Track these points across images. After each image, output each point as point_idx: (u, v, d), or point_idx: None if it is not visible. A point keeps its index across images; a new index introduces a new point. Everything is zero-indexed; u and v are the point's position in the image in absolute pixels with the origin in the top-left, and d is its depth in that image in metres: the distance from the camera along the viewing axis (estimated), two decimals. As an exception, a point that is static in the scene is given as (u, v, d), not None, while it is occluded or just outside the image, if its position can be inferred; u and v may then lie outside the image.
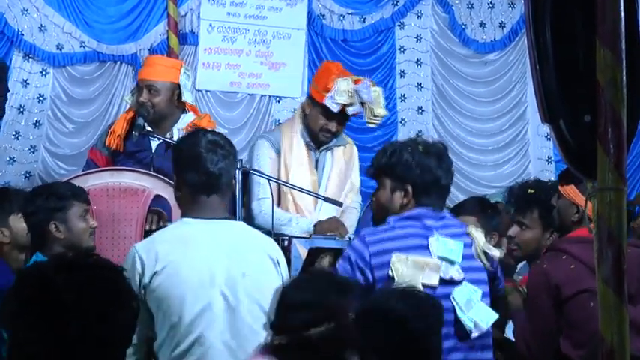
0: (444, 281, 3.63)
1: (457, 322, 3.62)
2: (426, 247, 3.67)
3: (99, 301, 2.09)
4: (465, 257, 3.71)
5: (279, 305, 3.11)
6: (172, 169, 3.73)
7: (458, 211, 4.80)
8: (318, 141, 5.31)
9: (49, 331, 2.05)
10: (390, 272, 3.60)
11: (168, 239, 3.57)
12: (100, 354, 2.09)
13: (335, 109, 5.15)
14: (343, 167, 5.38)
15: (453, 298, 3.62)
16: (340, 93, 5.14)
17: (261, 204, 5.10)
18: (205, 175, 3.56)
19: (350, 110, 5.19)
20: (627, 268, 2.44)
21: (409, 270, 3.60)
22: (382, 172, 3.90)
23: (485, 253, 3.80)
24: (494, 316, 3.68)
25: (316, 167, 5.34)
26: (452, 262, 3.67)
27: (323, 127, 5.24)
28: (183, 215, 3.66)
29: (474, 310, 3.63)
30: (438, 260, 3.65)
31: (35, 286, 2.10)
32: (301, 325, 3.02)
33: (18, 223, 4.47)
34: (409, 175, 3.80)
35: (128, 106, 5.42)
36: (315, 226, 5.04)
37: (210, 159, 3.56)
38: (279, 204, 5.18)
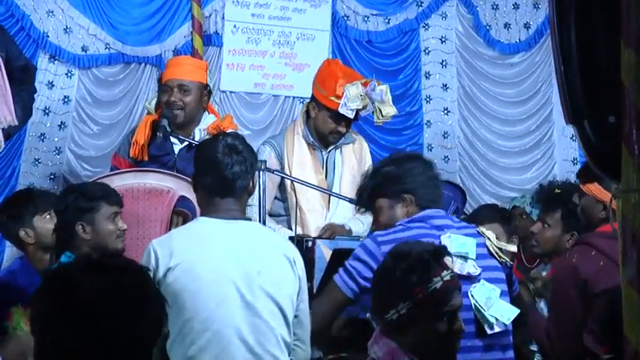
0: (461, 277, 3.62)
1: (476, 320, 3.62)
2: None
3: (126, 301, 2.10)
4: (480, 256, 3.72)
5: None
6: (194, 169, 3.78)
7: (477, 220, 4.80)
8: (325, 142, 5.33)
9: (77, 333, 2.05)
10: None
11: (185, 236, 3.63)
12: (131, 354, 2.09)
13: (351, 115, 5.19)
14: (355, 165, 5.39)
15: (472, 296, 3.62)
16: (352, 99, 5.16)
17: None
18: (219, 179, 3.61)
19: (363, 113, 5.22)
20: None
21: None
22: (375, 196, 3.92)
23: (501, 249, 3.79)
24: (515, 311, 3.67)
25: (326, 167, 5.35)
26: (466, 259, 3.67)
27: (333, 129, 5.27)
28: (201, 215, 3.70)
29: (495, 308, 3.63)
30: (450, 257, 3.65)
31: (62, 289, 2.10)
32: (381, 310, 3.11)
33: (42, 224, 4.50)
34: (402, 185, 3.83)
35: (146, 111, 5.43)
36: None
37: (226, 163, 3.61)
38: (285, 207, 5.20)
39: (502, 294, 3.68)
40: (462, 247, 3.68)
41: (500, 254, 3.78)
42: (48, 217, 4.48)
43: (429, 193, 3.85)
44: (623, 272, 2.37)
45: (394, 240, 3.67)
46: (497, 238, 3.87)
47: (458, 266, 3.62)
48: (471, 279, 3.66)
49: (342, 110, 5.18)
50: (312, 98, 5.38)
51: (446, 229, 3.73)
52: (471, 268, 3.67)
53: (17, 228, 4.58)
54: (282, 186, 5.26)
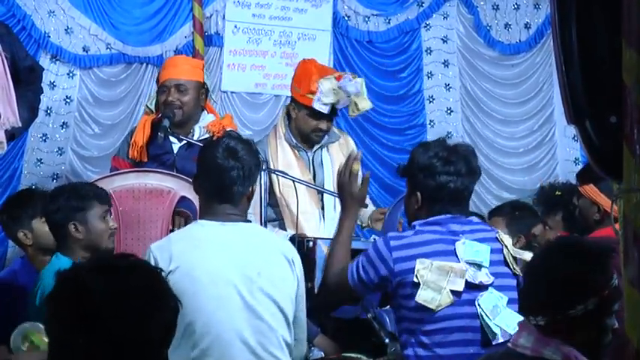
0: (472, 286, 3.59)
1: (482, 328, 3.59)
2: (452, 253, 3.62)
3: (135, 302, 2.10)
4: (493, 263, 3.65)
5: (534, 284, 3.06)
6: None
7: (492, 212, 4.83)
8: (309, 142, 5.32)
9: (86, 334, 2.05)
10: (415, 279, 3.57)
11: (183, 240, 3.61)
12: (141, 355, 2.09)
13: (325, 110, 5.18)
14: (343, 162, 5.38)
15: (479, 305, 3.57)
16: (326, 94, 5.15)
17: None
18: (216, 184, 3.60)
19: (339, 106, 5.21)
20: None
21: (433, 275, 3.57)
22: (403, 174, 3.88)
23: (516, 259, 3.74)
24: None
25: (313, 167, 5.34)
26: (480, 267, 3.63)
27: (314, 128, 5.26)
28: (200, 217, 3.70)
29: (500, 317, 3.58)
30: (464, 265, 3.60)
31: (71, 290, 2.11)
32: (566, 303, 2.97)
33: (41, 226, 4.50)
34: (416, 179, 3.76)
35: (144, 111, 5.43)
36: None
37: (223, 168, 3.58)
38: (275, 211, 5.19)
39: (510, 302, 3.63)
40: (476, 254, 3.62)
41: (515, 266, 3.72)
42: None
43: (441, 198, 3.69)
44: (625, 272, 2.36)
45: (406, 245, 3.64)
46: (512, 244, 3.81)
47: (471, 274, 3.59)
48: (481, 288, 3.61)
49: (315, 105, 5.17)
50: (292, 99, 5.39)
51: (461, 235, 3.67)
52: (483, 276, 3.61)
53: (16, 229, 4.58)
54: (271, 191, 5.25)
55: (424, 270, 3.56)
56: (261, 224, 4.58)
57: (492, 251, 3.67)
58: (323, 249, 4.51)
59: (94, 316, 2.06)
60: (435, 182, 3.69)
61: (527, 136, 7.87)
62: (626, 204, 2.37)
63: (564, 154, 7.92)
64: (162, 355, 2.17)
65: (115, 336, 2.06)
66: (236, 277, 3.53)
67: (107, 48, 6.78)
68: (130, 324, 2.07)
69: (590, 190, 4.09)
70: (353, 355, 4.13)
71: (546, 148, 7.91)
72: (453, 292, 3.56)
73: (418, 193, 3.74)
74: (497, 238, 3.75)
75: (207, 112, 5.34)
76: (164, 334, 2.16)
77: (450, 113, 7.69)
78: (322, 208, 5.31)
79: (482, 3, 7.74)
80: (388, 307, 4.48)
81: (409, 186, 3.81)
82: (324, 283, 3.82)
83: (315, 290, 4.35)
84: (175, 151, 5.16)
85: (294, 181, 4.94)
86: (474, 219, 3.83)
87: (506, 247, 3.73)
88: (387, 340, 4.14)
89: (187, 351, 3.47)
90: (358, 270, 3.69)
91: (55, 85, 6.69)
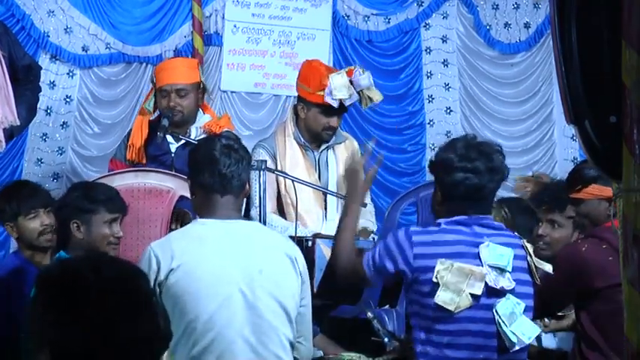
0: (492, 291, 3.54)
1: (498, 335, 3.55)
2: (476, 255, 3.56)
3: (122, 301, 2.09)
4: (516, 269, 3.59)
5: None
6: (188, 173, 3.76)
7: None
8: (319, 140, 5.31)
9: (77, 330, 2.05)
10: (435, 279, 3.53)
11: (184, 238, 3.62)
12: (129, 356, 2.09)
13: (336, 104, 5.15)
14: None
15: (496, 311, 3.52)
16: (338, 88, 5.14)
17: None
18: (218, 177, 3.62)
19: (348, 102, 5.19)
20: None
21: (453, 277, 3.51)
22: (429, 170, 3.88)
23: (537, 268, 3.71)
24: (536, 330, 3.60)
25: (319, 167, 5.33)
26: (503, 271, 3.56)
27: (325, 125, 5.25)
28: (200, 216, 3.70)
29: (517, 324, 3.54)
30: (485, 269, 3.53)
31: (60, 289, 2.10)
32: None
33: (26, 223, 4.50)
34: (437, 175, 3.75)
35: (139, 112, 5.43)
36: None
37: (223, 162, 3.62)
38: (279, 208, 5.19)
39: (526, 309, 3.59)
40: (499, 258, 3.56)
41: (537, 275, 3.69)
42: (33, 216, 4.47)
43: (458, 195, 3.63)
44: (624, 272, 2.36)
45: (428, 242, 3.58)
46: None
47: (492, 278, 3.53)
48: (500, 293, 3.55)
49: (327, 99, 5.16)
50: (300, 99, 5.37)
51: (486, 238, 3.60)
52: (505, 282, 3.55)
53: (3, 221, 4.59)
54: (277, 188, 5.25)
55: (444, 271, 3.50)
56: (260, 221, 4.58)
57: (516, 257, 3.60)
58: (322, 249, 4.52)
59: (80, 315, 2.05)
60: (450, 178, 3.64)
61: (526, 136, 7.87)
62: (626, 204, 2.37)
63: (563, 153, 7.92)
64: (153, 355, 2.16)
65: (101, 337, 2.05)
66: (238, 275, 3.53)
67: (107, 47, 6.78)
68: (115, 324, 2.07)
69: (594, 189, 4.09)
70: (353, 354, 4.13)
71: (545, 148, 7.91)
72: (471, 295, 3.53)
73: (439, 190, 3.72)
74: (522, 245, 3.69)
75: (204, 113, 5.35)
76: (151, 334, 2.15)
77: (449, 113, 7.69)
78: (325, 209, 5.31)
79: (482, 2, 7.75)
80: (388, 306, 4.48)
81: (435, 182, 3.79)
82: (335, 265, 3.77)
83: (315, 289, 4.36)
84: (173, 151, 5.17)
85: (293, 181, 4.94)
86: (498, 224, 3.75)
87: (530, 255, 3.67)
88: (386, 340, 4.13)
89: (188, 349, 3.48)
90: (375, 259, 3.63)
91: (54, 85, 6.69)
